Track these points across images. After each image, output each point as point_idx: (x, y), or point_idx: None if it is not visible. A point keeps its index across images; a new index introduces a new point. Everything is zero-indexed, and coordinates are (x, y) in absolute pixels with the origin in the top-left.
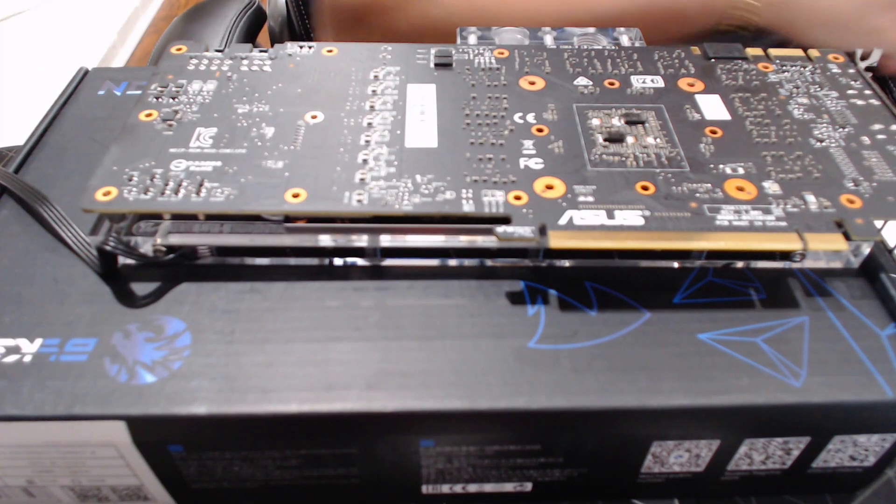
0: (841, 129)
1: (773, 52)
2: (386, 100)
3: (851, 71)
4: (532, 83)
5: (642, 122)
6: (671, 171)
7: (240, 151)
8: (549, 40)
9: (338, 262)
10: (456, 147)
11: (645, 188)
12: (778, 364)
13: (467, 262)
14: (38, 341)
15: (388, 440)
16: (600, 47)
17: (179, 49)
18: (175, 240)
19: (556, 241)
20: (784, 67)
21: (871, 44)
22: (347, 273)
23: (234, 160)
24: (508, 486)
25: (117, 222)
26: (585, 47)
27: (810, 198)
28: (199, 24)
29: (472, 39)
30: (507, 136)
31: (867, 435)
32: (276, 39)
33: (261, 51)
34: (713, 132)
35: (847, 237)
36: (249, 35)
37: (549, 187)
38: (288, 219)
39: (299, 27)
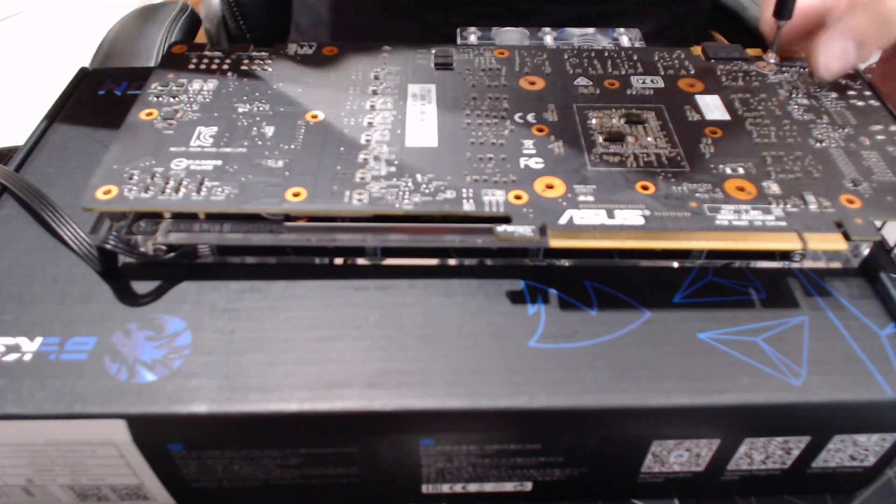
0: (840, 130)
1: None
2: (386, 99)
3: (851, 72)
4: (532, 83)
5: (642, 122)
6: (671, 170)
7: (240, 150)
8: (549, 40)
9: (338, 261)
10: (456, 147)
11: (645, 188)
12: (778, 363)
13: (467, 261)
14: (39, 340)
15: (388, 439)
16: (600, 47)
17: (180, 48)
18: (175, 238)
19: (556, 240)
20: (784, 68)
21: None
22: (347, 272)
23: (234, 159)
24: (508, 486)
25: (117, 221)
26: (585, 47)
27: (810, 198)
28: (139, 31)
29: (472, 39)
30: (508, 135)
31: (867, 435)
32: (213, 41)
33: (261, 50)
34: (713, 132)
35: (847, 237)
36: (186, 37)
37: (550, 187)
38: (288, 218)
39: (235, 29)
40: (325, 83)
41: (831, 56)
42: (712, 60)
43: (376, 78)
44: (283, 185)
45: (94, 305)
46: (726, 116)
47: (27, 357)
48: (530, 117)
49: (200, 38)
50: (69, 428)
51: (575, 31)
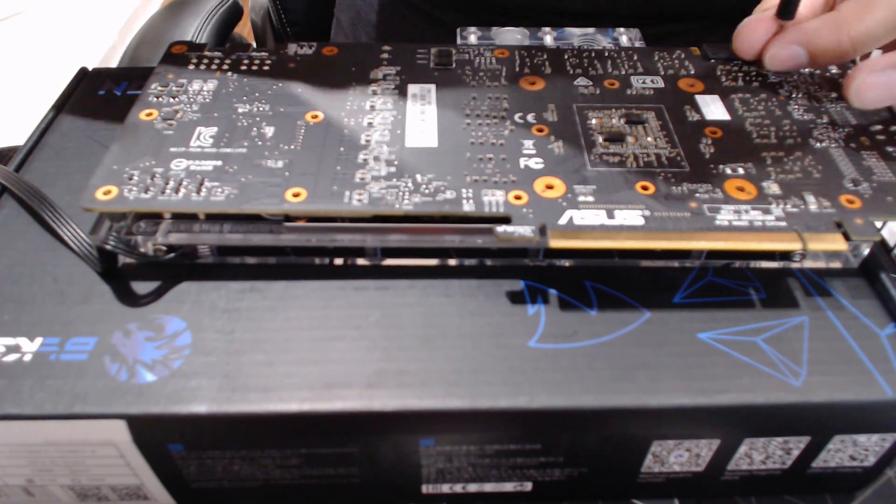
0: (840, 130)
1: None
2: (386, 99)
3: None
4: (532, 83)
5: (642, 123)
6: (671, 171)
7: (240, 151)
8: (549, 40)
9: (338, 261)
10: (456, 147)
11: (645, 188)
12: (778, 363)
13: (467, 261)
14: (39, 340)
15: (388, 439)
16: (600, 47)
17: (180, 49)
18: (175, 239)
19: (556, 240)
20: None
21: None
22: (347, 273)
23: (234, 159)
24: (508, 486)
25: (117, 221)
26: (585, 47)
27: (810, 198)
28: (174, 19)
29: (473, 39)
30: (507, 136)
31: (867, 435)
32: (258, 33)
33: (261, 50)
34: (713, 132)
35: (847, 237)
36: (223, 29)
37: (550, 187)
38: (288, 218)
39: (277, 21)
40: (325, 83)
41: (778, 60)
42: (712, 60)
43: (376, 78)
44: (283, 186)
45: (94, 305)
46: (726, 116)
47: (27, 357)
48: (530, 117)
49: (239, 30)
50: (69, 428)
51: (575, 31)
